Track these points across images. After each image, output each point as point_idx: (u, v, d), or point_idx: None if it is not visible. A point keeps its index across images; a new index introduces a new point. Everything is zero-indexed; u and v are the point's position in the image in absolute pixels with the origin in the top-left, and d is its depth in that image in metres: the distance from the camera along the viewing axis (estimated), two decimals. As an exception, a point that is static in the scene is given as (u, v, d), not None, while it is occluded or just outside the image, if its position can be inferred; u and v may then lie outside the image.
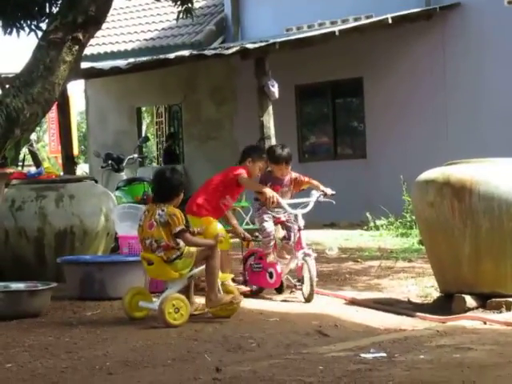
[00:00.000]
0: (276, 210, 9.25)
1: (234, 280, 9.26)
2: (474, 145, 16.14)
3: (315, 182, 9.52)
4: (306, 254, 8.92)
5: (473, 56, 18.05)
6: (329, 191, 9.35)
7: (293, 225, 9.21)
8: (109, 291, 9.00)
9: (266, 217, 9.25)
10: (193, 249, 7.95)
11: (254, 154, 9.45)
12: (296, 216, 9.11)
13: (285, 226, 9.37)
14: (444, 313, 8.16)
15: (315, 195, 9.30)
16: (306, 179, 9.55)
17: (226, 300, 7.89)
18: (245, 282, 9.45)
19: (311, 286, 8.77)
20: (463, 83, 18.14)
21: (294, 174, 9.50)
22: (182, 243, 7.91)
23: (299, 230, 9.05)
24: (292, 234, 9.24)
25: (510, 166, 8.70)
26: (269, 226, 9.21)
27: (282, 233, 9.63)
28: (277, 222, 9.36)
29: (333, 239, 14.57)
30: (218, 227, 9.06)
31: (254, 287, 9.37)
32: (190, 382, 5.57)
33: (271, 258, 9.24)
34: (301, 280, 8.92)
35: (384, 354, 6.32)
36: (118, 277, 9.09)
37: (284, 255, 9.39)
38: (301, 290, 8.94)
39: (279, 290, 9.30)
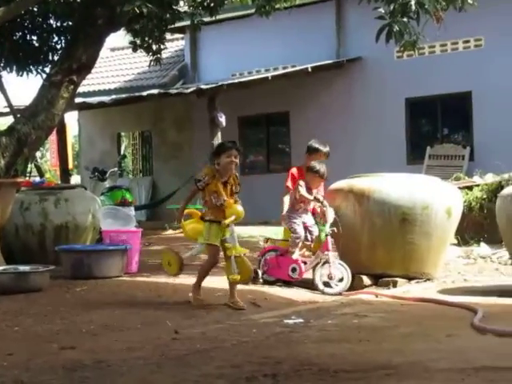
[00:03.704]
0: (302, 215, 8.62)
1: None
2: (373, 163, 16.26)
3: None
4: (336, 257, 8.44)
5: (373, 96, 18.27)
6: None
7: (315, 230, 8.54)
8: (94, 272, 8.91)
9: (297, 221, 8.57)
10: (214, 232, 7.09)
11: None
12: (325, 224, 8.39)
13: (308, 230, 8.61)
14: (347, 289, 8.22)
15: (332, 212, 8.41)
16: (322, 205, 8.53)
17: (193, 297, 7.24)
18: (263, 274, 8.70)
19: (347, 283, 8.14)
20: (367, 117, 18.33)
21: (319, 195, 8.61)
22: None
23: (327, 235, 8.35)
24: (313, 237, 8.57)
25: (398, 179, 8.81)
26: (300, 229, 8.54)
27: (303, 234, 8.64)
28: (304, 226, 8.60)
29: (266, 232, 14.52)
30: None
31: (271, 278, 8.68)
32: (155, 340, 5.56)
33: (296, 255, 8.61)
34: (332, 278, 8.14)
35: (302, 320, 6.35)
36: (101, 261, 9.02)
37: (304, 253, 8.76)
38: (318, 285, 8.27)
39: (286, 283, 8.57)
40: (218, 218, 7.09)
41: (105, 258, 9.10)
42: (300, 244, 8.65)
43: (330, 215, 8.42)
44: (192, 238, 7.63)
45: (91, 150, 23.41)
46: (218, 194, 7.08)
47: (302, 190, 8.52)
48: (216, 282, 7.90)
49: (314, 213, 8.75)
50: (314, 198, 8.53)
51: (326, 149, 9.06)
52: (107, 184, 13.66)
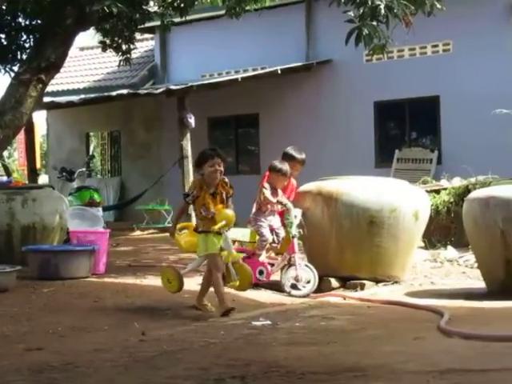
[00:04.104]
0: (269, 218, 8.59)
1: None
2: (341, 165, 16.28)
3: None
4: (302, 259, 8.41)
5: (342, 98, 18.31)
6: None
7: (281, 232, 8.56)
8: (61, 273, 8.85)
9: (263, 224, 8.54)
10: (210, 241, 6.87)
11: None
12: (292, 225, 8.41)
13: (275, 232, 8.61)
14: (315, 291, 8.23)
15: (299, 212, 8.49)
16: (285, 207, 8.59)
17: (222, 309, 6.81)
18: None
19: (314, 285, 8.15)
20: (336, 120, 18.36)
21: (283, 198, 8.60)
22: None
23: (293, 237, 8.34)
24: (280, 239, 8.58)
25: (366, 182, 8.85)
26: (266, 232, 8.52)
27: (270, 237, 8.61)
28: (270, 228, 8.58)
29: (233, 234, 14.51)
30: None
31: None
32: (122, 342, 5.54)
33: (263, 257, 8.61)
34: (298, 280, 8.15)
35: (270, 322, 6.34)
36: (68, 262, 8.96)
37: (271, 255, 8.79)
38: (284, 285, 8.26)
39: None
40: (211, 227, 6.84)
41: (72, 259, 9.05)
42: (267, 246, 8.64)
43: (297, 217, 8.45)
44: (188, 250, 7.56)
45: (59, 150, 23.25)
46: (207, 207, 6.84)
47: (267, 193, 8.52)
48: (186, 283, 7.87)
49: (283, 213, 8.76)
50: (277, 201, 8.54)
51: (301, 156, 9.01)
52: (75, 184, 13.58)
